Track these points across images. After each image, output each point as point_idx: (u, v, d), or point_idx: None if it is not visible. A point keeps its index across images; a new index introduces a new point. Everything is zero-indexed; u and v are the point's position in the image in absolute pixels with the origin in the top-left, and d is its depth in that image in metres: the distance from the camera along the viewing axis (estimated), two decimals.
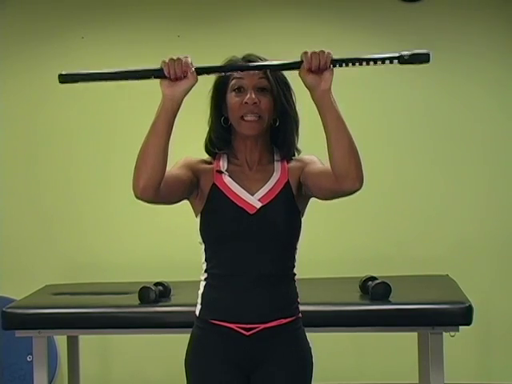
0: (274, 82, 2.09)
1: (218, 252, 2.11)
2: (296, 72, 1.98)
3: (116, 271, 4.39)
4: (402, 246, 4.42)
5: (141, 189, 1.96)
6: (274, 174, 2.15)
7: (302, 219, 2.15)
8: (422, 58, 1.97)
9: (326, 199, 2.10)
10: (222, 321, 2.09)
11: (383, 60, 1.96)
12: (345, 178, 1.96)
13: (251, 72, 2.07)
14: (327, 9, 4.50)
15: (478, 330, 4.03)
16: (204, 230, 2.12)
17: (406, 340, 3.86)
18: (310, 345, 2.17)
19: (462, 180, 4.45)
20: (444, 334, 3.11)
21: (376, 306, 3.13)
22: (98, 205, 4.53)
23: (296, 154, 2.20)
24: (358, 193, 2.02)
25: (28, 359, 4.26)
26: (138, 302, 3.25)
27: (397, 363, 4.33)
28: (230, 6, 4.52)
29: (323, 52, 1.93)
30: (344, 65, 1.95)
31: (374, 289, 3.16)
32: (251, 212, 2.08)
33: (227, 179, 2.12)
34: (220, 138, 2.16)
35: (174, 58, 1.94)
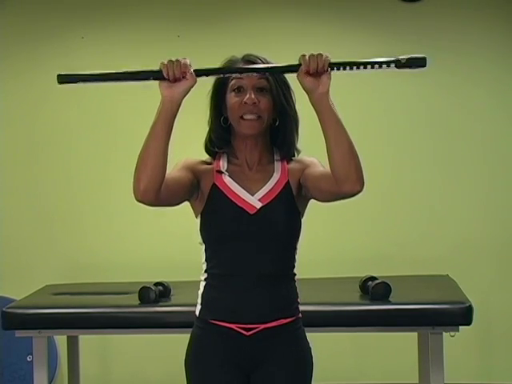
0: (273, 81, 2.09)
1: (218, 252, 2.11)
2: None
3: (116, 271, 4.39)
4: (402, 245, 4.42)
5: (141, 192, 1.95)
6: (274, 174, 2.15)
7: (302, 220, 2.15)
8: (418, 63, 1.98)
9: (326, 201, 2.10)
10: (222, 321, 2.09)
11: (380, 64, 1.97)
12: (345, 181, 1.96)
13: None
14: (327, 9, 4.51)
15: (478, 330, 4.03)
16: (204, 230, 2.12)
17: (406, 340, 3.86)
18: (310, 345, 2.17)
19: (462, 180, 4.45)
20: (444, 333, 3.11)
21: (376, 306, 3.13)
22: (98, 205, 4.53)
23: (296, 153, 2.20)
24: None
25: (28, 359, 4.26)
26: (138, 302, 3.25)
27: (397, 363, 4.33)
28: (229, 6, 4.52)
29: (321, 55, 1.93)
30: (342, 68, 1.96)
31: (374, 289, 3.16)
32: (251, 212, 2.08)
33: (227, 179, 2.13)
34: (220, 138, 2.16)
35: (173, 59, 1.94)
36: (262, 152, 2.16)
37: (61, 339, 4.19)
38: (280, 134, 2.16)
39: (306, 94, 1.98)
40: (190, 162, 2.14)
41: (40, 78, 4.48)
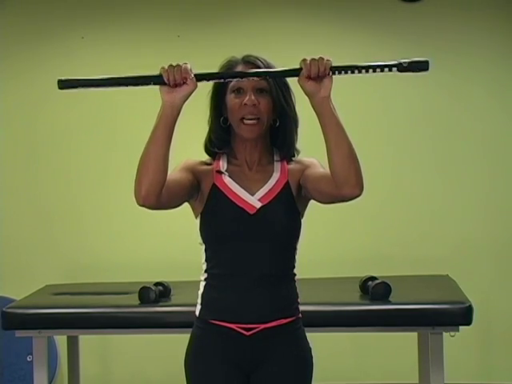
0: (273, 83, 2.09)
1: (218, 252, 2.11)
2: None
3: (116, 271, 4.39)
4: (402, 245, 4.42)
5: (143, 196, 1.96)
6: (274, 174, 2.15)
7: (302, 220, 2.15)
8: (420, 66, 1.98)
9: (325, 203, 2.10)
10: (222, 321, 2.09)
11: (382, 68, 1.97)
12: (344, 185, 1.96)
13: None
14: (327, 9, 4.50)
15: (478, 330, 4.03)
16: (204, 231, 2.12)
17: (406, 340, 3.86)
18: (310, 345, 2.17)
19: (462, 180, 4.45)
20: (444, 333, 3.11)
21: (376, 306, 3.13)
22: (98, 205, 4.53)
23: (296, 154, 2.20)
24: None
25: (28, 359, 4.26)
26: (138, 302, 3.25)
27: (397, 363, 4.33)
28: (229, 6, 4.52)
29: (322, 59, 1.93)
30: (343, 72, 1.96)
31: (374, 289, 3.16)
32: (251, 212, 2.08)
33: (227, 179, 2.13)
34: (219, 139, 2.16)
35: (174, 64, 1.94)
36: (261, 152, 2.16)
37: (61, 339, 4.19)
38: (280, 135, 2.16)
39: (306, 96, 1.98)
40: (189, 163, 2.14)
41: (40, 78, 4.48)
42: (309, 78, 1.94)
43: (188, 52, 3.86)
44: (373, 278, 3.27)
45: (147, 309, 3.23)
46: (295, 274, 2.17)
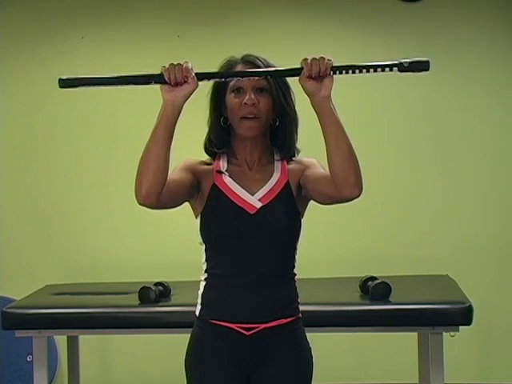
0: (273, 82, 2.09)
1: (218, 252, 2.11)
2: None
3: (116, 271, 4.39)
4: (402, 245, 4.42)
5: (143, 196, 1.96)
6: (274, 174, 2.15)
7: (302, 220, 2.15)
8: (421, 66, 1.98)
9: (324, 204, 2.10)
10: (222, 321, 2.09)
11: (383, 68, 1.97)
12: (343, 186, 1.97)
13: None
14: (327, 9, 4.50)
15: (478, 330, 4.03)
16: (204, 230, 2.12)
17: (406, 340, 3.86)
18: (310, 345, 2.17)
19: (462, 180, 4.45)
20: (444, 333, 3.11)
21: (376, 306, 3.13)
22: (98, 205, 4.53)
23: (296, 154, 2.20)
24: None
25: (28, 359, 4.26)
26: (138, 302, 3.25)
27: (397, 363, 4.33)
28: (229, 6, 4.52)
29: (323, 59, 1.93)
30: (344, 72, 1.96)
31: (374, 289, 3.16)
32: (251, 212, 2.08)
33: (227, 179, 2.13)
34: (219, 139, 2.16)
35: (175, 63, 1.94)
36: (261, 152, 2.16)
37: (61, 339, 4.19)
38: (280, 135, 2.16)
39: (306, 95, 1.98)
40: (189, 163, 2.14)
41: (40, 78, 4.49)
42: (310, 77, 1.94)
43: (188, 52, 3.85)
44: (373, 278, 3.27)
45: (147, 309, 3.23)
46: (295, 274, 2.17)
